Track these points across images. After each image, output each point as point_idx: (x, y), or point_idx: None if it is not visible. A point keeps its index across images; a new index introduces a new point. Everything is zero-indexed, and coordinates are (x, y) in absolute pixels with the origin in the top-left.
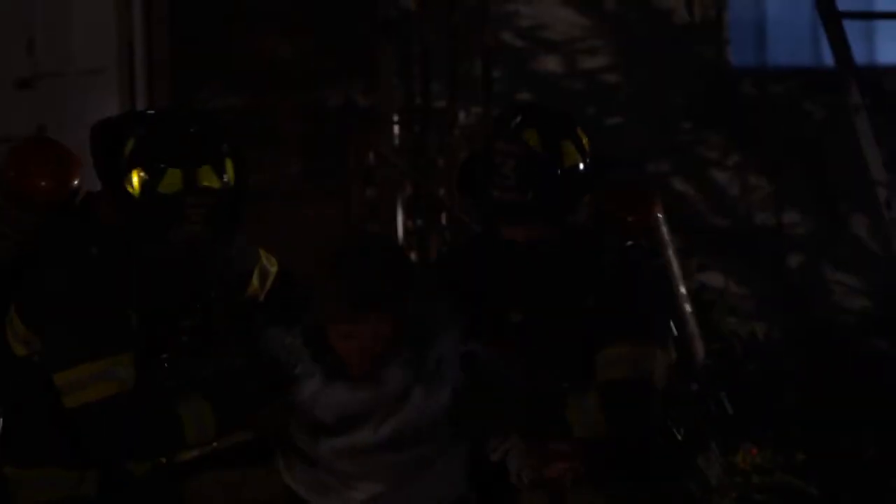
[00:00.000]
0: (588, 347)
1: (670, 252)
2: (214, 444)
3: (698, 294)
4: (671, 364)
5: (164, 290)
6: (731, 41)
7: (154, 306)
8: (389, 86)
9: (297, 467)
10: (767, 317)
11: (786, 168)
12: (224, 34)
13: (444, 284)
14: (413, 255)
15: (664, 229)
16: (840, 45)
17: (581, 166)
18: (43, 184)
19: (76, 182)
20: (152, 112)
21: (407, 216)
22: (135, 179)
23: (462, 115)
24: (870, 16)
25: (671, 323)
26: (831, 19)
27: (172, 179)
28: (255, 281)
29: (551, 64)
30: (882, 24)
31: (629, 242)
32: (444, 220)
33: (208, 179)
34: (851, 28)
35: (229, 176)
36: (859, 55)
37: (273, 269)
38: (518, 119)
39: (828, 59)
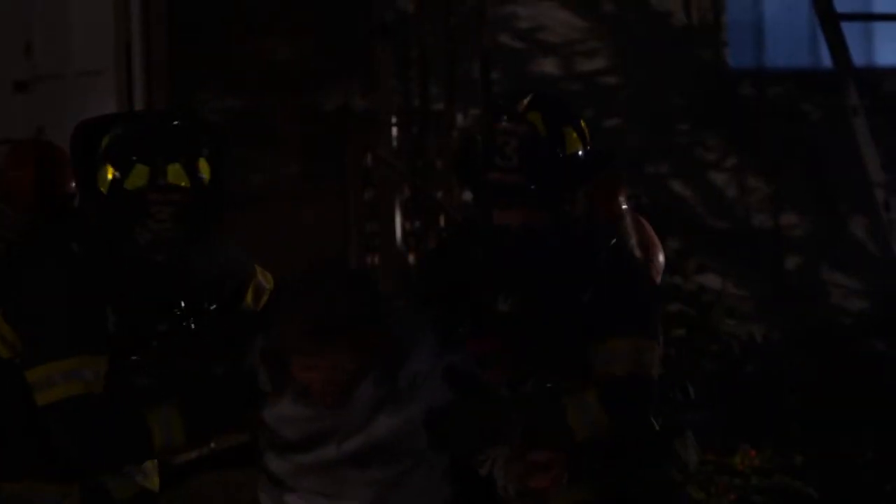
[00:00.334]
0: (581, 340)
1: (633, 242)
2: (213, 444)
3: (697, 295)
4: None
5: (140, 291)
6: (730, 43)
7: (131, 307)
8: (388, 87)
9: (265, 486)
10: (766, 318)
11: (784, 169)
12: (223, 36)
13: (428, 290)
14: (411, 257)
15: (629, 219)
16: (838, 46)
17: (581, 154)
18: (39, 186)
19: (73, 184)
20: (138, 112)
21: (405, 217)
22: (105, 176)
23: (460, 117)
24: (867, 17)
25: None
26: (829, 21)
27: (139, 175)
28: (248, 298)
29: (549, 66)
30: (880, 26)
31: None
32: (442, 221)
33: (176, 177)
34: (849, 29)
35: (204, 176)
36: (857, 57)
37: (269, 287)
38: (524, 101)
39: (826, 60)
